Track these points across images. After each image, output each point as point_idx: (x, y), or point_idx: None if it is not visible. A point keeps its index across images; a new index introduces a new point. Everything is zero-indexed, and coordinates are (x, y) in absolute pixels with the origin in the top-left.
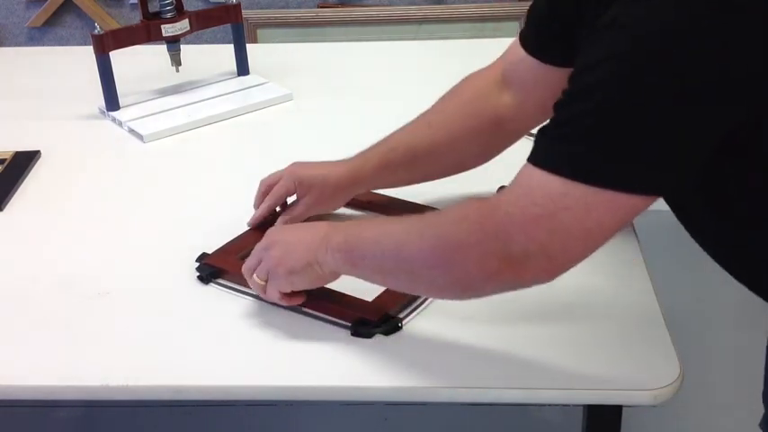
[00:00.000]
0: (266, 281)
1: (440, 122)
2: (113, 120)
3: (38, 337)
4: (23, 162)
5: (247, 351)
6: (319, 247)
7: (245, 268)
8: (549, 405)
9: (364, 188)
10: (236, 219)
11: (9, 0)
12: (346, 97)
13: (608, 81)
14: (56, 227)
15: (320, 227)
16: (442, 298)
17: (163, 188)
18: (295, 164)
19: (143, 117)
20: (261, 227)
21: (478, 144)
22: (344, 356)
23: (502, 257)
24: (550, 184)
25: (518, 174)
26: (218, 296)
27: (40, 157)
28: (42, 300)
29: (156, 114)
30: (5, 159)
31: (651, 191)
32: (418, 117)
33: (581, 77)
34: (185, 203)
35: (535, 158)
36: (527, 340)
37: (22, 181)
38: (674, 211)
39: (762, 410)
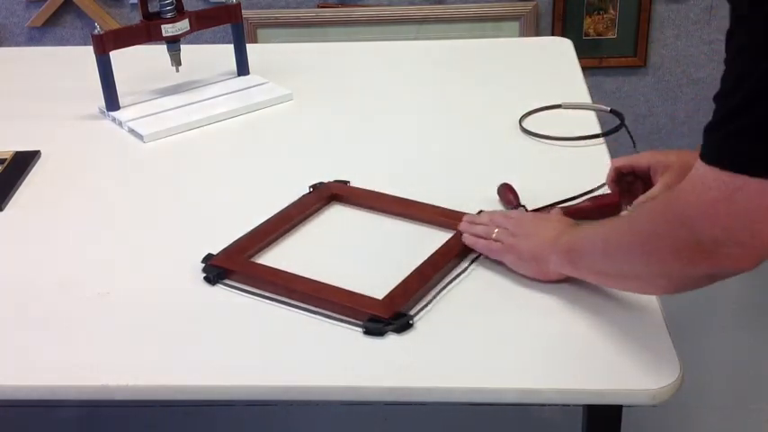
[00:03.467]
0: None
1: None
2: (113, 120)
3: (38, 337)
4: (23, 162)
5: (248, 351)
6: (548, 246)
7: (478, 227)
8: (549, 405)
9: None
10: (237, 219)
11: (9, 0)
12: (346, 97)
13: (750, 72)
14: (56, 227)
15: (559, 226)
16: (657, 293)
17: (163, 188)
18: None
19: (143, 117)
20: (266, 226)
21: None
22: (342, 357)
23: (693, 246)
24: (720, 174)
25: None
26: (220, 296)
27: (40, 157)
28: (42, 300)
29: (156, 114)
30: (5, 159)
31: None
32: None
33: (726, 73)
34: (185, 203)
35: (702, 154)
36: (527, 340)
37: (22, 181)
38: None
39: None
